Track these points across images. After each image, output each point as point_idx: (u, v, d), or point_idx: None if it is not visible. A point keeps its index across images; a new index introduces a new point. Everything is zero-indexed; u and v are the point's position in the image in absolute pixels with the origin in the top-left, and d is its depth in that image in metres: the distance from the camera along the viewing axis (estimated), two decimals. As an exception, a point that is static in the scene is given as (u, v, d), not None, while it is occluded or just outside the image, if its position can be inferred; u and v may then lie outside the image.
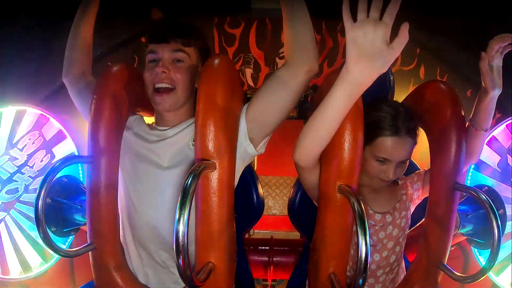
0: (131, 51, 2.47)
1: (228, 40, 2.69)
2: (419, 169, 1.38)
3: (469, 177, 1.79)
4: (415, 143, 1.12)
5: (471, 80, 2.24)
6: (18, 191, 1.85)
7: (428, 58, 2.49)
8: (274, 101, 1.03)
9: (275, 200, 2.81)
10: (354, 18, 0.78)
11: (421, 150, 1.21)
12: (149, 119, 1.27)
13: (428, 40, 2.40)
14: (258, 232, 2.39)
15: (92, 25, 1.26)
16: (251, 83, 2.74)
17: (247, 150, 1.08)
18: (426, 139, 1.18)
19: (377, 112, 1.12)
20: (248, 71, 2.73)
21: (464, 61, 2.27)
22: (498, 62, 1.03)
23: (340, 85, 0.85)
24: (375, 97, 1.19)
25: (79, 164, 1.84)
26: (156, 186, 1.12)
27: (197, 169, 0.85)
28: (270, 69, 2.72)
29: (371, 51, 0.78)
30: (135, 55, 2.48)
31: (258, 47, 2.71)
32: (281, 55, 2.67)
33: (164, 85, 1.10)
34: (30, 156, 1.86)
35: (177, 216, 0.75)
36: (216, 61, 1.01)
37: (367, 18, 0.77)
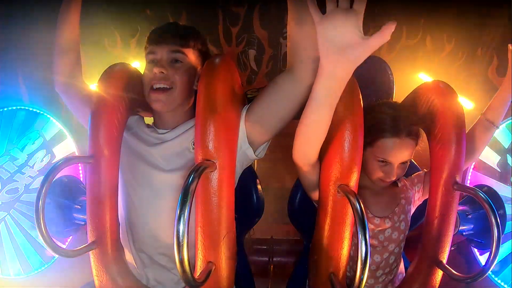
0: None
1: (232, 20, 2.60)
2: (419, 170, 1.38)
3: (469, 177, 1.79)
4: (416, 144, 1.12)
5: (479, 39, 2.35)
6: (18, 191, 1.86)
7: (433, 27, 2.46)
8: (275, 109, 1.01)
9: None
10: (323, 11, 0.75)
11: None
12: (149, 119, 1.27)
13: (430, 10, 2.42)
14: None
15: (76, 31, 1.20)
16: (254, 66, 2.66)
17: (247, 153, 1.08)
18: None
19: (378, 113, 1.12)
20: (252, 53, 2.65)
21: (469, 22, 2.34)
22: None
23: (318, 81, 0.83)
24: (376, 99, 1.20)
25: (79, 164, 1.84)
26: (156, 189, 1.11)
27: (198, 169, 0.85)
28: (273, 51, 2.62)
29: (342, 43, 0.74)
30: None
31: (262, 27, 2.61)
32: (284, 35, 2.56)
33: (161, 86, 1.09)
34: (30, 156, 1.86)
35: (177, 216, 0.75)
36: (216, 62, 1.01)
37: (336, 8, 0.73)
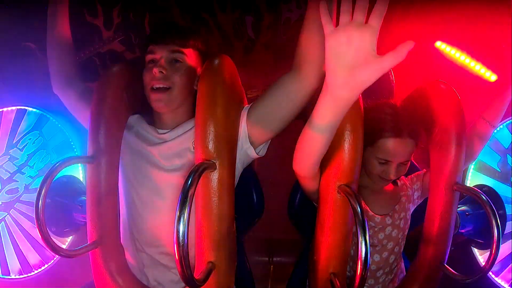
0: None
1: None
2: (419, 169, 1.39)
3: (469, 177, 1.79)
4: (416, 144, 1.12)
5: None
6: (18, 191, 1.85)
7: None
8: (277, 109, 1.01)
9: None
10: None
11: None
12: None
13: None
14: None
15: (66, 31, 1.20)
16: (251, 35, 2.21)
17: (248, 153, 1.08)
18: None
19: (378, 113, 1.12)
20: (249, 19, 2.19)
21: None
22: None
23: (323, 101, 0.77)
24: (376, 99, 1.19)
25: (79, 164, 1.84)
26: (156, 188, 1.12)
27: (198, 169, 0.85)
28: (274, 17, 2.17)
29: (354, 61, 0.67)
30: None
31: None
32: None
33: (161, 86, 1.10)
34: (30, 156, 1.86)
35: (177, 217, 0.76)
36: (216, 61, 1.01)
37: (351, 22, 0.67)
